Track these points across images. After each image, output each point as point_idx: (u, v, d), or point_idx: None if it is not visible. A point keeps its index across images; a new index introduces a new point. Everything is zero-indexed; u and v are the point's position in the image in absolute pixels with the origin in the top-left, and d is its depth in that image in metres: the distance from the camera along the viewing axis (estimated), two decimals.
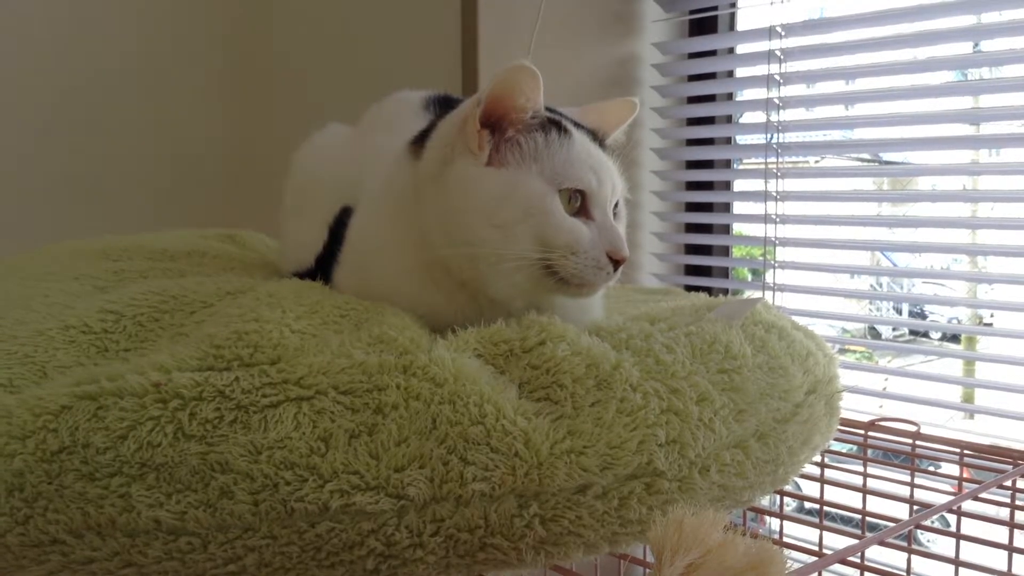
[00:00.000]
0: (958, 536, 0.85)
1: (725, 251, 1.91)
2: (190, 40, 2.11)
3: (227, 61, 2.17)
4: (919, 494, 1.00)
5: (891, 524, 0.76)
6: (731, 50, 1.85)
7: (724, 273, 1.92)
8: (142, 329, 0.76)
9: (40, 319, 0.75)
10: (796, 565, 0.62)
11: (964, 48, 1.57)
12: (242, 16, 2.17)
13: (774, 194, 1.70)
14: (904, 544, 0.83)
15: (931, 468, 1.14)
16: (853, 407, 1.56)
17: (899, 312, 2.33)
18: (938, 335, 2.25)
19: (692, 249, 1.93)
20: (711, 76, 1.86)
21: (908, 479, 1.01)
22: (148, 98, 2.02)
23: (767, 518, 1.17)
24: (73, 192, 1.90)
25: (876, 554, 0.73)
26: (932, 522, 0.80)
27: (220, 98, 2.16)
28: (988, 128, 1.57)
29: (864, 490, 0.99)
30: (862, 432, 1.09)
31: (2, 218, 1.76)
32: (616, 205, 0.81)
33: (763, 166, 1.70)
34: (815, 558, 0.84)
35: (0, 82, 1.77)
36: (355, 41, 1.98)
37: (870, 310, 1.93)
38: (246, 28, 2.18)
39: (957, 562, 0.84)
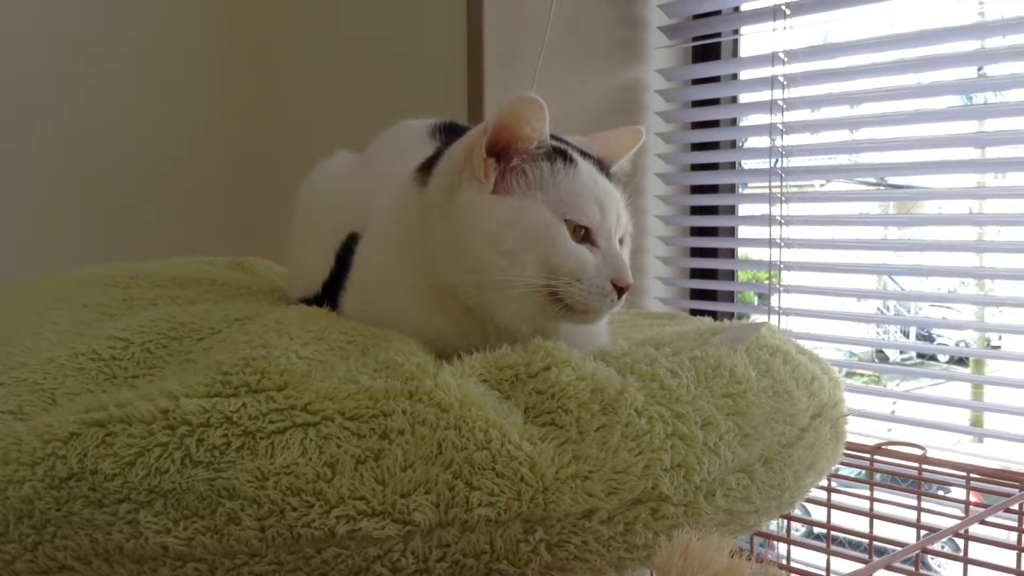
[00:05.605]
0: (965, 560, 0.85)
1: (731, 275, 1.91)
2: (196, 67, 2.13)
3: (235, 89, 2.19)
4: (926, 518, 0.99)
5: (898, 548, 0.76)
6: (735, 76, 1.86)
7: (730, 297, 1.92)
8: (150, 356, 0.77)
9: (50, 346, 0.76)
10: None
11: (968, 72, 1.58)
12: (250, 43, 2.19)
13: (779, 218, 1.70)
14: (912, 568, 0.82)
15: (940, 492, 1.13)
16: (861, 431, 1.55)
17: (906, 335, 2.33)
18: (946, 358, 2.24)
19: (698, 273, 1.93)
20: (715, 102, 1.87)
21: (915, 503, 1.01)
22: (154, 123, 2.04)
23: (775, 543, 1.16)
24: (79, 217, 1.92)
25: None
26: (941, 546, 0.80)
27: (227, 126, 2.18)
28: (993, 152, 1.58)
29: (871, 514, 0.98)
30: (868, 456, 1.09)
31: (8, 241, 1.77)
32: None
33: (767, 190, 1.71)
34: None
35: (5, 108, 1.79)
36: (362, 68, 2.00)
37: (877, 334, 1.92)
38: (254, 55, 2.20)
39: None
